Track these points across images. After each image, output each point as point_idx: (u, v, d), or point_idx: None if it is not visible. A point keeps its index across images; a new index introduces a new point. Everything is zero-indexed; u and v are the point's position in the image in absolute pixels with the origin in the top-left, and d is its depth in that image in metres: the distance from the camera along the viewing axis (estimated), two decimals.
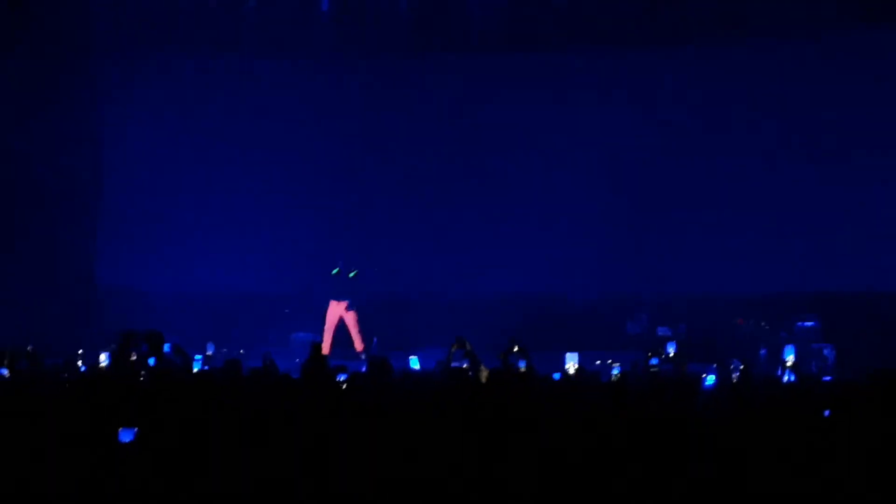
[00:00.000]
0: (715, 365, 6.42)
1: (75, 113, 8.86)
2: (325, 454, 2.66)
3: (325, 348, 7.35)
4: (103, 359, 6.47)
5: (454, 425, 2.81)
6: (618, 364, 6.60)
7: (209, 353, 6.92)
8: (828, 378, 5.93)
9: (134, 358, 5.68)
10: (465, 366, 5.40)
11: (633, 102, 8.73)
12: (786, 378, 6.29)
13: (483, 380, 4.42)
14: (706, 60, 8.86)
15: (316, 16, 8.92)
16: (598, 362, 6.78)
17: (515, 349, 5.85)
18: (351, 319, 7.93)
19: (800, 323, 7.26)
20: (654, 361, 6.79)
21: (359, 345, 7.81)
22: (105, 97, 8.98)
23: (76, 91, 8.91)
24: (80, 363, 6.63)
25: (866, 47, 8.45)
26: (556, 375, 5.28)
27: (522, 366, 5.58)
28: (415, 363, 5.86)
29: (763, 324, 7.31)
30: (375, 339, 7.81)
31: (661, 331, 7.43)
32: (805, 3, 8.19)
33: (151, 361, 5.61)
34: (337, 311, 8.00)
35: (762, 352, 6.95)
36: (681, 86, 8.80)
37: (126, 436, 3.01)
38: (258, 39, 9.01)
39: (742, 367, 6.30)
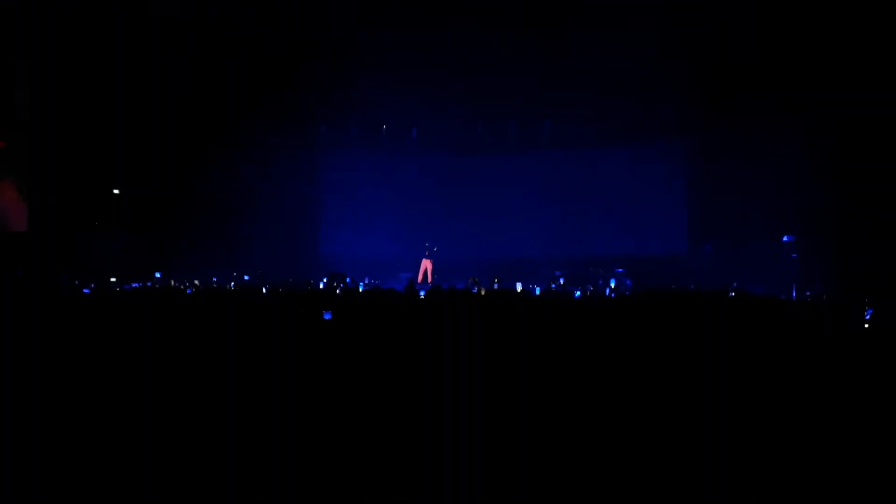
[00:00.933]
0: (580, 288, 15.17)
1: (304, 166, 18.75)
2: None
3: (418, 280, 16.83)
4: (321, 284, 16.41)
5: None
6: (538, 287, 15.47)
7: (367, 281, 16.70)
8: (628, 293, 14.52)
9: (334, 284, 15.52)
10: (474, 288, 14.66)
11: None
12: (607, 292, 14.88)
13: (482, 293, 13.68)
14: None
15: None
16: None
17: (474, 280, 15.03)
18: (429, 267, 17.34)
19: (617, 269, 15.62)
20: (553, 286, 15.63)
21: (430, 279, 17.24)
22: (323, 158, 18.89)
23: (307, 153, 18.78)
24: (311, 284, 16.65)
25: None
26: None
27: (474, 290, 14.75)
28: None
29: (600, 270, 15.72)
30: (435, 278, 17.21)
31: (558, 273, 16.10)
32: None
33: (342, 284, 15.44)
34: (424, 263, 17.42)
35: (600, 282, 15.40)
36: None
37: (327, 315, 6.20)
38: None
39: (591, 288, 15.04)
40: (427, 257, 16.95)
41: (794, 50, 14.15)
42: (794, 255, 16.06)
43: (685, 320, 6.34)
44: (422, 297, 7.45)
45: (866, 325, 6.67)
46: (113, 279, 13.84)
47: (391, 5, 14.01)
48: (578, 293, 14.37)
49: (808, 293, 14.08)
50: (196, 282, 14.35)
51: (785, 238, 16.06)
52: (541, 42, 14.86)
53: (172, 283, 13.90)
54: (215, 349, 5.23)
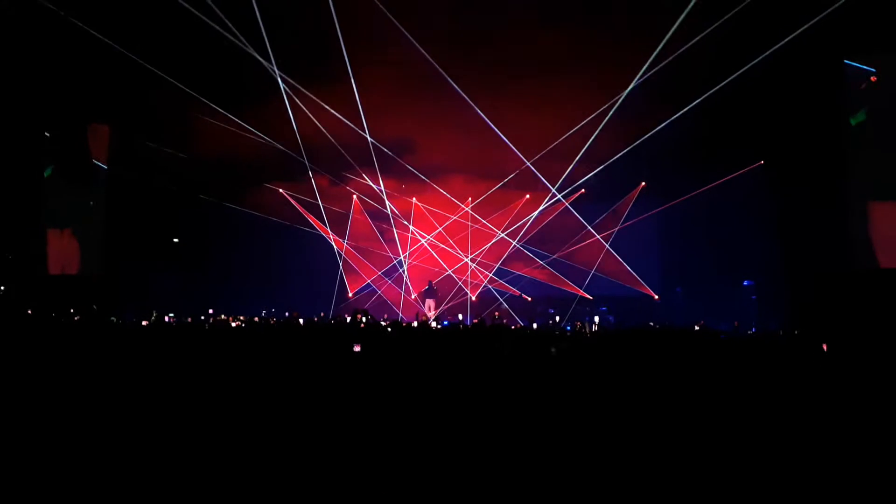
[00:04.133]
0: (570, 323, 17.83)
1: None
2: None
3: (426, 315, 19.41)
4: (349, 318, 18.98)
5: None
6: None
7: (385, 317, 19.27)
8: (612, 327, 17.18)
9: (358, 318, 18.07)
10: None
11: None
12: (594, 328, 17.53)
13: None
14: None
15: None
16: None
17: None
18: (432, 304, 19.95)
19: (601, 307, 18.26)
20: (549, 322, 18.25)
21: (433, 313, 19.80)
22: None
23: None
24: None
25: None
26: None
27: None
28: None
29: (587, 307, 18.34)
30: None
31: (551, 311, 18.69)
32: None
33: (364, 319, 18.02)
34: (428, 302, 20.02)
35: (586, 318, 18.00)
36: None
37: (356, 348, 10.40)
38: None
39: (578, 323, 17.70)
40: (430, 295, 19.61)
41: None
42: (753, 297, 18.78)
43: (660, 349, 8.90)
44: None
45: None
46: (171, 314, 16.39)
47: None
48: (569, 328, 17.06)
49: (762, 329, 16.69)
50: (241, 317, 16.89)
51: (745, 283, 18.79)
52: None
53: (223, 316, 16.47)
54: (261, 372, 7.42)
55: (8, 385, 6.61)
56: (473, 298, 20.81)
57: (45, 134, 17.09)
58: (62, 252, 17.85)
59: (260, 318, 17.22)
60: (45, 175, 17.31)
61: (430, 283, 20.63)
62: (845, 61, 15.73)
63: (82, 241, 17.32)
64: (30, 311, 14.23)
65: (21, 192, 16.55)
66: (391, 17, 15.74)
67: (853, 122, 15.90)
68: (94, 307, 15.75)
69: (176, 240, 17.66)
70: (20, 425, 5.13)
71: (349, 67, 16.73)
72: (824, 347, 8.54)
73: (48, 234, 17.43)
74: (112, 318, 15.43)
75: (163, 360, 8.77)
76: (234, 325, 15.44)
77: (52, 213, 17.49)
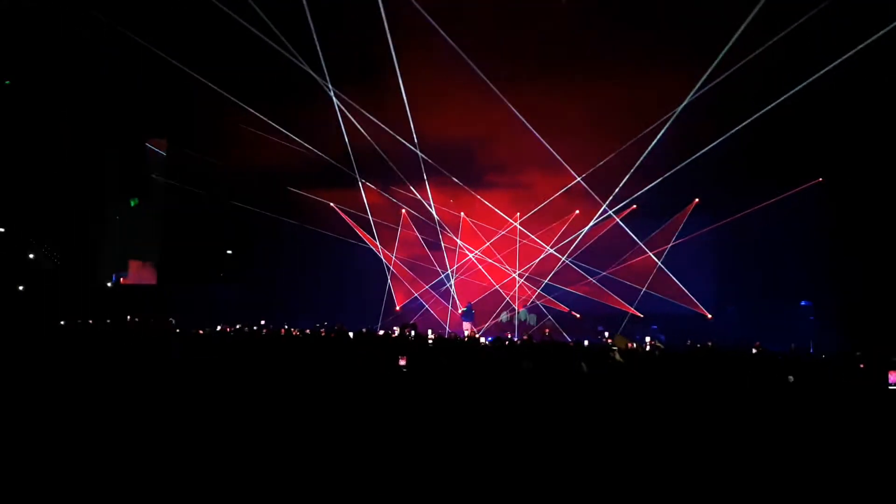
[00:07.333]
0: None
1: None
2: None
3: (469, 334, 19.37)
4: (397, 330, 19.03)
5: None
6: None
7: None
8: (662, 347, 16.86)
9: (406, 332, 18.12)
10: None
11: None
12: (647, 348, 17.18)
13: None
14: None
15: None
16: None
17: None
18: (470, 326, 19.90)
19: (653, 326, 17.93)
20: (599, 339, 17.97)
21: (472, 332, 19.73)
22: None
23: None
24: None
25: None
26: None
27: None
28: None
29: (637, 325, 18.04)
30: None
31: (601, 328, 18.41)
32: None
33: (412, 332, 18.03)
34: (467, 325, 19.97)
35: (637, 336, 17.69)
36: None
37: (401, 361, 11.68)
38: None
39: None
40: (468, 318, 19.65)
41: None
42: (811, 317, 18.26)
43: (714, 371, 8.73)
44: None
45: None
46: (222, 325, 16.69)
47: None
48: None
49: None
50: (292, 329, 17.13)
51: (802, 303, 18.30)
52: None
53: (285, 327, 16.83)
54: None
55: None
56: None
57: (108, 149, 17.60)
58: (136, 265, 18.44)
59: (313, 330, 17.44)
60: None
61: (468, 304, 20.59)
62: None
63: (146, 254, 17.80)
64: (91, 321, 14.64)
65: (83, 205, 17.06)
66: (446, 36, 15.81)
67: None
68: (151, 319, 16.11)
69: (230, 251, 17.98)
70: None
71: (399, 77, 16.76)
72: None
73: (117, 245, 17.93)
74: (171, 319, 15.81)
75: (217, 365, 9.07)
76: (285, 335, 15.66)
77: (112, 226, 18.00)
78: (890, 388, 7.12)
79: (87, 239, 17.57)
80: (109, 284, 18.79)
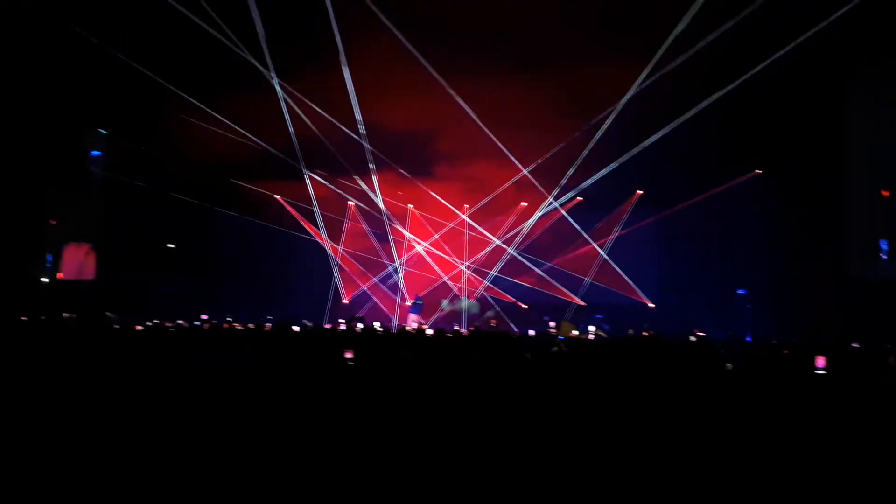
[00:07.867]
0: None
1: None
2: None
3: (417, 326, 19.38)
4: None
5: None
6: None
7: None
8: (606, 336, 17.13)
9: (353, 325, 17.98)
10: None
11: None
12: (592, 336, 17.41)
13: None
14: None
15: None
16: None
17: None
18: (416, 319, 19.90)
19: (597, 315, 18.25)
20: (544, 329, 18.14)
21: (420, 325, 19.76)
22: None
23: None
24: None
25: None
26: None
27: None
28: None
29: (582, 316, 18.33)
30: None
31: (546, 318, 18.65)
32: None
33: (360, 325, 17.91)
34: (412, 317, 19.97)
35: (581, 326, 17.96)
36: None
37: (348, 355, 12.50)
38: None
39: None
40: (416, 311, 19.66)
41: None
42: (748, 305, 18.81)
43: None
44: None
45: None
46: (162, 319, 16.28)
47: None
48: (562, 337, 16.98)
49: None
50: (235, 323, 16.80)
51: (739, 291, 18.83)
52: None
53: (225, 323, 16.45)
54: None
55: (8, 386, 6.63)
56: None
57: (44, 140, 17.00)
58: (75, 258, 17.84)
59: (256, 324, 17.13)
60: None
61: (416, 297, 20.59)
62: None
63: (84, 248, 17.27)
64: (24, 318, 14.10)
65: (24, 197, 16.46)
66: (392, 27, 15.71)
67: None
68: (108, 314, 15.59)
69: (171, 245, 17.58)
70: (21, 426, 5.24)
71: (346, 68, 16.58)
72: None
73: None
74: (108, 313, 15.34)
75: (157, 364, 8.80)
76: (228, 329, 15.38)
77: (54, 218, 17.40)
78: (816, 372, 7.36)
79: (21, 233, 16.94)
80: (45, 280, 18.17)
